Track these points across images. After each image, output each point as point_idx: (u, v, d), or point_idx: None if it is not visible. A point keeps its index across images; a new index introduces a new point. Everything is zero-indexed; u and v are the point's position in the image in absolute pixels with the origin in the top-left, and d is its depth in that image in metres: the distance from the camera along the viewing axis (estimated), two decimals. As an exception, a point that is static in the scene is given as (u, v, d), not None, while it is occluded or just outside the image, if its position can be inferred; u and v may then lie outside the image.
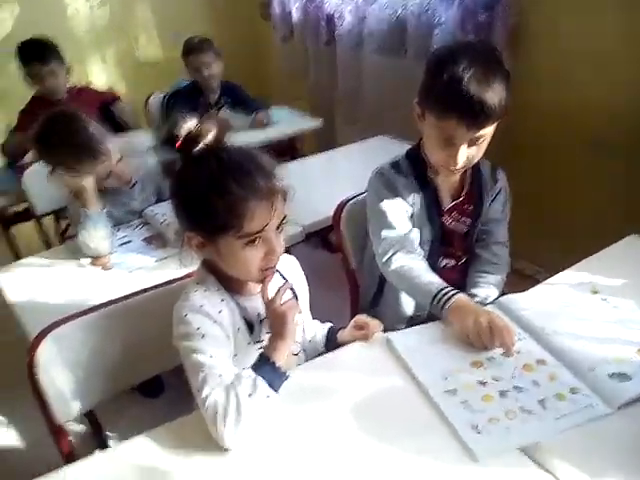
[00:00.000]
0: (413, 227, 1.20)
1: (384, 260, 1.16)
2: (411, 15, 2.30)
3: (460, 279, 1.26)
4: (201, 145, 0.84)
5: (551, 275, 1.19)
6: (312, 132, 2.65)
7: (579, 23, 1.82)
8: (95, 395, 1.03)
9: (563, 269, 1.20)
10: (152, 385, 1.12)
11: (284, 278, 1.00)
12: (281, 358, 0.85)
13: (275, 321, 0.88)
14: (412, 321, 1.26)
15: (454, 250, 1.27)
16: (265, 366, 0.84)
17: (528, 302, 1.10)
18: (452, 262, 1.29)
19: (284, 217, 0.88)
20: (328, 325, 1.11)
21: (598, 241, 1.25)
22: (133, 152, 1.64)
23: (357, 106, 2.81)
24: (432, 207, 1.21)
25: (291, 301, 0.91)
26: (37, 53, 2.22)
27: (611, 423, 0.82)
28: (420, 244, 1.21)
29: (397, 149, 2.06)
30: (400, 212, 1.18)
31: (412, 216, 1.20)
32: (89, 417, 1.11)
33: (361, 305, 1.40)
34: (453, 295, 1.04)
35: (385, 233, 1.17)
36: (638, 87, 1.73)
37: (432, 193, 1.20)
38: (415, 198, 1.19)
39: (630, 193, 1.84)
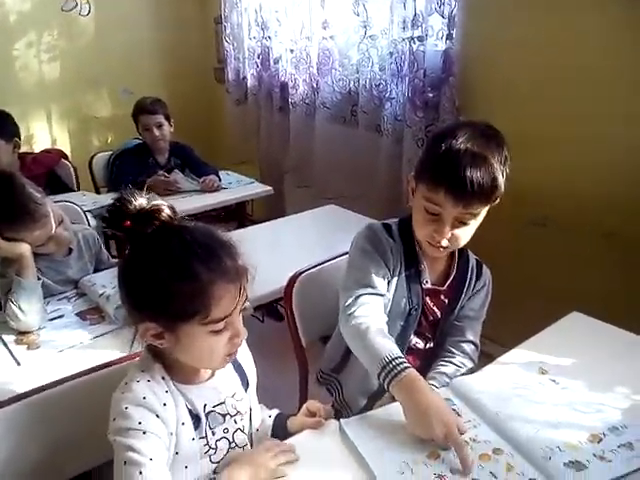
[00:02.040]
0: (389, 293, 1.16)
1: (347, 314, 1.09)
2: (363, 88, 2.40)
3: (422, 367, 1.21)
4: (156, 224, 0.78)
5: (501, 348, 1.19)
6: (262, 197, 2.65)
7: (521, 105, 1.95)
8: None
9: (513, 342, 1.20)
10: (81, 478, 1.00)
11: (236, 365, 0.95)
12: None
13: (250, 460, 0.84)
14: (374, 397, 1.20)
15: (425, 330, 1.23)
16: None
17: (480, 385, 1.08)
18: (421, 343, 1.24)
19: (246, 297, 0.83)
20: (275, 412, 1.04)
21: (546, 314, 1.26)
22: (72, 215, 1.55)
23: (308, 172, 2.85)
24: (414, 279, 1.17)
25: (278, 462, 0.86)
26: None
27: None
28: (396, 316, 1.17)
29: (347, 218, 2.12)
30: (379, 274, 1.13)
31: (389, 283, 1.16)
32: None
33: (322, 368, 1.33)
34: (404, 369, 0.95)
35: (357, 289, 1.11)
36: (578, 168, 1.84)
37: (417, 266, 1.17)
38: (399, 264, 1.16)
39: (577, 268, 1.92)
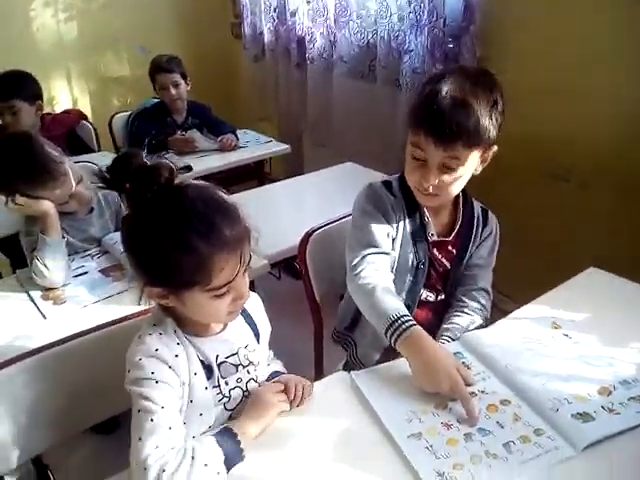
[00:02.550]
0: (395, 250, 1.16)
1: (354, 274, 1.10)
2: (381, 40, 2.33)
3: (434, 320, 1.23)
4: (155, 186, 0.78)
5: (516, 305, 1.19)
6: (280, 155, 2.63)
7: (542, 55, 1.87)
8: (40, 443, 0.96)
9: (527, 299, 1.19)
10: (105, 421, 1.05)
11: (248, 318, 0.97)
12: (248, 441, 0.83)
13: (258, 405, 0.87)
14: (387, 352, 1.21)
15: (435, 283, 1.23)
16: (230, 443, 0.80)
17: (491, 339, 1.09)
18: (432, 296, 1.25)
19: (250, 258, 0.84)
20: (272, 369, 1.05)
21: (561, 271, 1.25)
22: (91, 175, 1.58)
23: (326, 129, 2.82)
24: (419, 233, 1.17)
25: (283, 397, 0.90)
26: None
27: (575, 465, 0.81)
28: (404, 272, 1.18)
29: (365, 176, 2.10)
30: (382, 232, 1.13)
31: (394, 240, 1.16)
32: (34, 460, 1.04)
33: (336, 326, 1.36)
34: (409, 327, 0.97)
35: (361, 249, 1.12)
36: (599, 118, 1.77)
37: (420, 219, 1.17)
38: (403, 220, 1.16)
39: (593, 224, 1.88)
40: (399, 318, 0.99)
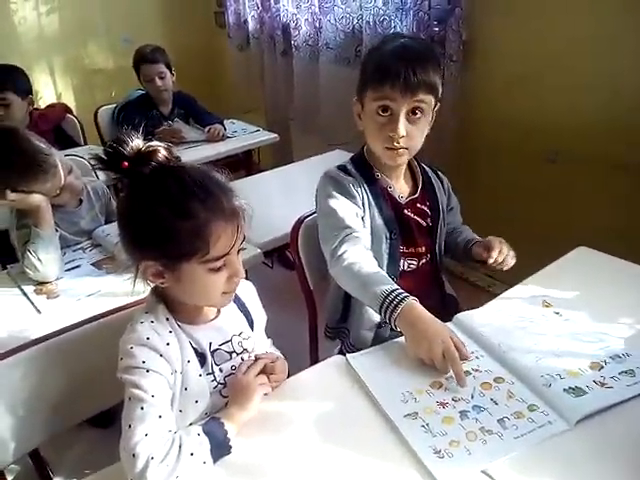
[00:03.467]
0: (366, 227, 1.18)
1: (335, 258, 1.11)
2: (367, 25, 2.32)
3: (420, 284, 1.25)
4: (153, 164, 0.79)
5: (505, 286, 1.21)
6: (268, 145, 2.62)
7: (528, 40, 1.87)
8: (37, 436, 0.96)
9: (517, 281, 1.21)
10: (101, 415, 1.05)
11: (241, 306, 0.97)
12: (236, 429, 0.83)
13: (239, 392, 0.86)
14: (380, 330, 1.25)
15: (416, 247, 1.25)
16: (216, 432, 0.80)
17: (484, 318, 1.10)
18: (414, 263, 1.27)
19: (244, 238, 0.85)
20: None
21: (550, 252, 1.27)
22: (80, 169, 1.56)
23: (313, 117, 2.80)
24: (384, 202, 1.20)
25: (264, 380, 0.89)
26: None
27: (569, 439, 0.82)
28: (379, 244, 1.20)
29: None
30: (351, 213, 1.16)
31: (363, 218, 1.18)
32: (32, 454, 1.04)
33: (328, 323, 1.37)
34: (401, 301, 0.98)
35: (335, 231, 1.13)
36: (584, 102, 1.79)
37: (382, 190, 1.21)
38: (365, 195, 1.19)
39: (584, 204, 1.89)
40: (390, 293, 1.00)
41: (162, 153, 0.80)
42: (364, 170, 1.22)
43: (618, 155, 1.75)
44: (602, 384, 0.91)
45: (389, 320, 1.00)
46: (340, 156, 2.20)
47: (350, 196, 1.17)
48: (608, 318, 1.07)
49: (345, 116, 2.61)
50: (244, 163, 2.65)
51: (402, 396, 0.91)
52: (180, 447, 0.75)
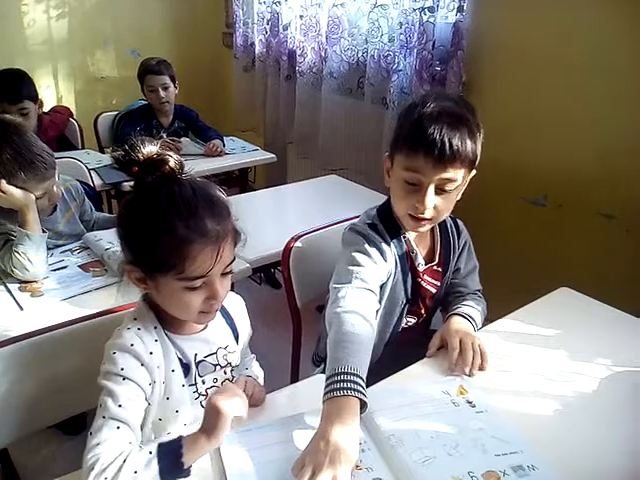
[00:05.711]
0: (385, 293, 1.14)
1: (336, 298, 1.02)
2: (371, 59, 2.38)
3: (417, 337, 1.23)
4: (157, 173, 0.80)
5: (487, 322, 1.21)
6: (264, 165, 2.65)
7: (524, 85, 1.94)
8: (8, 435, 0.94)
9: (498, 316, 1.22)
10: (72, 421, 1.03)
11: (229, 319, 0.97)
12: (193, 457, 0.75)
13: (212, 417, 0.75)
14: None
15: (419, 309, 1.24)
16: (171, 455, 0.74)
17: (393, 398, 0.95)
18: (413, 320, 1.26)
19: (232, 260, 0.84)
20: (245, 373, 1.01)
21: (534, 292, 1.29)
22: (76, 172, 1.57)
23: (311, 142, 2.85)
24: (408, 270, 1.16)
25: (239, 403, 0.78)
26: (7, 92, 2.08)
27: None
28: (394, 307, 1.18)
29: (349, 189, 2.13)
30: (376, 272, 1.09)
31: (384, 284, 1.13)
32: (1, 456, 1.01)
33: (318, 351, 1.36)
34: (349, 390, 0.84)
35: (352, 276, 1.05)
36: (577, 148, 1.84)
37: (408, 255, 1.16)
38: (393, 259, 1.14)
39: (564, 248, 1.94)
40: (347, 374, 0.86)
41: (170, 164, 0.81)
42: (393, 229, 1.15)
43: (604, 204, 1.81)
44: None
45: (324, 392, 0.87)
46: (336, 181, 2.24)
47: (379, 259, 1.10)
48: (581, 357, 1.08)
49: (343, 144, 2.69)
50: (239, 181, 2.67)
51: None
52: (124, 461, 0.72)
